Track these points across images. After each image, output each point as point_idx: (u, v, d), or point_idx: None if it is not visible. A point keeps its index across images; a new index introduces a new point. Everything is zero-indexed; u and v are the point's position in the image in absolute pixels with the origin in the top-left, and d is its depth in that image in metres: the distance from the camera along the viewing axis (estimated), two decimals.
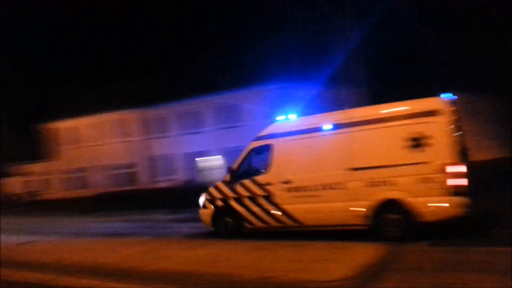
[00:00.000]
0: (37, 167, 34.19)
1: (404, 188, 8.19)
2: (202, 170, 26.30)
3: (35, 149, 37.38)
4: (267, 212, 9.69)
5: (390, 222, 8.27)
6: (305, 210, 9.24)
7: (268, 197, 9.67)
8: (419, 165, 8.10)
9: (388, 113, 8.74)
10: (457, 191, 7.84)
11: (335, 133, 9.14)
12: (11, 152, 36.96)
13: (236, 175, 10.24)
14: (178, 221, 15.07)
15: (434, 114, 8.12)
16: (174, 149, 27.49)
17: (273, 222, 9.69)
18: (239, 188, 10.10)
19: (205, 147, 26.07)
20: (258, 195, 9.81)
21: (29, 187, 34.11)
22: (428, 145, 8.06)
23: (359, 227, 8.67)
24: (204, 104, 25.97)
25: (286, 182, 9.46)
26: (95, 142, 30.52)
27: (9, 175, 36.12)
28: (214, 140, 25.61)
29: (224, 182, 10.40)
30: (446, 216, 7.95)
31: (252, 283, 5.96)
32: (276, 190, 9.57)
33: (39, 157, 34.51)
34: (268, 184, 9.69)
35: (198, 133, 26.48)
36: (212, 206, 10.45)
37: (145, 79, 30.21)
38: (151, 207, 19.56)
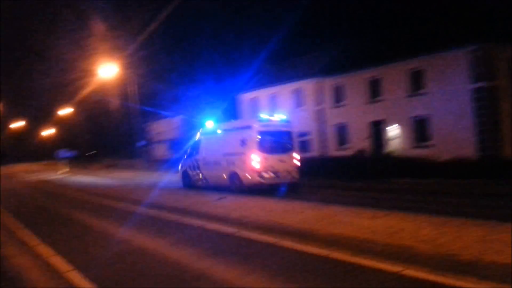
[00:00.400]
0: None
1: (238, 166, 15.61)
2: (381, 139, 25.87)
3: (220, 115, 42.21)
4: (197, 174, 17.94)
5: (234, 183, 15.77)
6: (208, 174, 17.28)
7: (197, 166, 17.90)
8: (243, 154, 15.43)
9: (234, 124, 18.09)
10: (260, 168, 15.00)
11: (220, 134, 17.33)
12: (203, 117, 42.50)
13: (188, 154, 19.01)
14: (351, 190, 15.33)
15: (249, 128, 15.66)
16: (350, 118, 27.57)
17: (199, 181, 17.84)
18: (188, 161, 18.65)
19: (384, 116, 25.46)
20: (194, 165, 18.10)
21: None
22: (246, 143, 15.41)
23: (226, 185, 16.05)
24: (389, 71, 25.16)
25: (203, 158, 17.64)
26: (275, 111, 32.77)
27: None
28: (394, 109, 24.79)
29: (184, 158, 19.20)
30: (257, 183, 15.09)
31: (433, 259, 5.83)
32: (200, 162, 17.81)
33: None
34: (197, 159, 17.97)
35: (378, 101, 25.95)
36: (180, 171, 19.32)
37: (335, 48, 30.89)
38: (324, 176, 20.28)
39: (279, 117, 16.34)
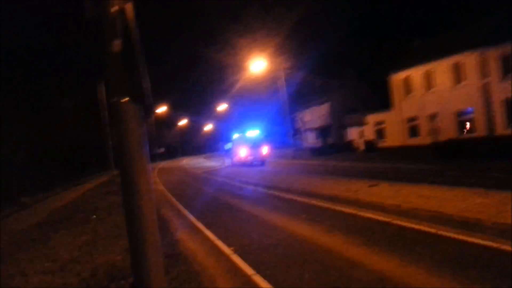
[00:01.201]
0: (374, 117, 37.29)
1: (237, 154, 34.71)
2: None
3: (370, 100, 41.00)
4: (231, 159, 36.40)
5: (233, 161, 36.18)
6: (234, 158, 35.95)
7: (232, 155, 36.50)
8: (239, 148, 34.58)
9: (237, 135, 37.63)
10: (245, 154, 33.56)
11: (234, 139, 36.71)
12: (349, 103, 41.95)
13: (225, 150, 42.52)
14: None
15: (242, 137, 35.84)
16: None
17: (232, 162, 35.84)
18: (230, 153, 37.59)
19: None
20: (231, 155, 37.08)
21: (366, 136, 37.83)
22: (241, 144, 34.71)
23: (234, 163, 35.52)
24: None
25: (233, 151, 35.77)
26: (430, 89, 30.37)
27: (349, 125, 41.18)
28: None
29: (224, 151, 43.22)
30: (244, 160, 33.17)
31: None
32: (232, 153, 36.19)
33: (375, 108, 37.59)
34: (232, 152, 36.08)
35: None
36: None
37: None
38: (487, 156, 18.06)
39: (255, 132, 35.35)
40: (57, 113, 46.25)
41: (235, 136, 36.53)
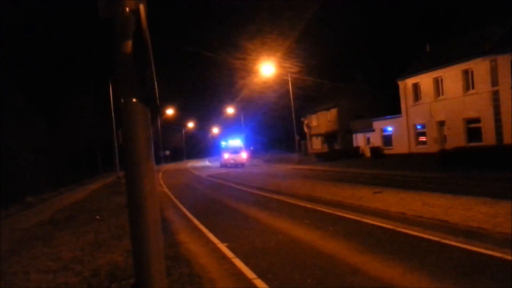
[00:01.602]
0: (381, 123, 37.17)
1: (223, 157, 44.34)
2: None
3: (378, 105, 40.89)
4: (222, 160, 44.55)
5: (223, 163, 44.75)
6: (223, 160, 44.19)
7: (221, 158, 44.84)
8: (224, 154, 44.65)
9: (224, 142, 47.22)
10: (228, 158, 42.44)
11: (223, 145, 45.25)
12: (356, 109, 41.91)
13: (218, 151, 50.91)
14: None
15: (226, 144, 45.69)
16: None
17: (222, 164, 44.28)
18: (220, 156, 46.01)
19: None
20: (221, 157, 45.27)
21: (373, 142, 37.72)
22: (224, 150, 44.74)
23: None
24: None
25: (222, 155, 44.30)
26: (439, 96, 30.24)
27: (356, 131, 41.11)
28: None
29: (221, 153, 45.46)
30: (228, 163, 41.57)
31: None
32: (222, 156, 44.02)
33: (383, 114, 37.47)
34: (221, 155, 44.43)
35: None
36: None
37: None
38: (495, 165, 17.92)
39: (237, 140, 44.36)
40: (65, 112, 46.65)
41: (223, 143, 46.04)
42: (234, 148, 42.92)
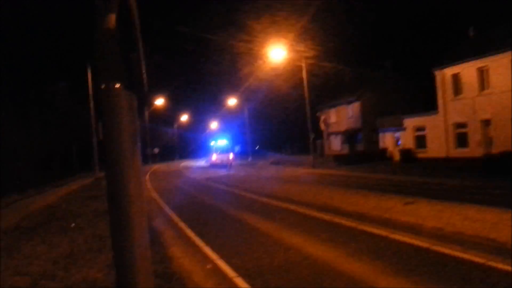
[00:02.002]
0: (413, 121, 37.00)
1: (211, 158, 55.73)
2: None
3: (410, 100, 40.71)
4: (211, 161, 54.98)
5: (210, 163, 56.39)
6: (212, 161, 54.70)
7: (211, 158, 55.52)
8: (213, 154, 55.15)
9: (213, 142, 59.55)
10: (215, 158, 52.74)
11: (213, 145, 56.74)
12: (384, 103, 41.73)
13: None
14: None
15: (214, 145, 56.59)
16: None
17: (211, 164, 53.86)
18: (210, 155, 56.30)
19: None
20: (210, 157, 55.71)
21: (403, 143, 37.57)
22: (213, 150, 56.02)
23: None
24: None
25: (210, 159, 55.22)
26: (484, 90, 30.11)
27: (383, 129, 40.93)
28: None
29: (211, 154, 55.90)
30: (215, 163, 51.12)
31: None
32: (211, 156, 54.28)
33: (416, 110, 37.28)
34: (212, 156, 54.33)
35: None
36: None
37: None
38: None
39: (224, 141, 54.32)
40: (34, 102, 46.75)
41: (212, 143, 56.41)
42: (221, 148, 52.76)
